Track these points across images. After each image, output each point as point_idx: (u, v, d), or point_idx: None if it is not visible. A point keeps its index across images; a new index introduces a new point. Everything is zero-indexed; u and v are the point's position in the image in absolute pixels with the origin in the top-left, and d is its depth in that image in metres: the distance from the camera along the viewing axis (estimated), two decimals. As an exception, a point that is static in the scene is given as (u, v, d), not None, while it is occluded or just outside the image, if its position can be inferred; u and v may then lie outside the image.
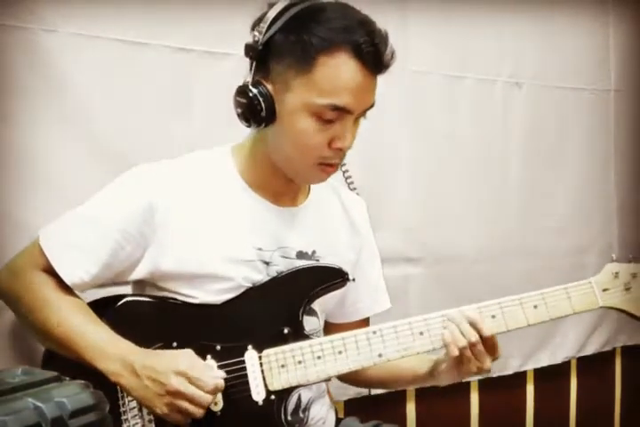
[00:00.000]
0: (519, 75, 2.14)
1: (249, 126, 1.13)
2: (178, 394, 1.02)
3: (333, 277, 1.18)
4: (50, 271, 1.14)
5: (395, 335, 1.13)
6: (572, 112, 2.27)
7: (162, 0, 1.52)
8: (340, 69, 1.06)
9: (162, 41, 1.53)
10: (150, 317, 1.15)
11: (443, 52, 1.97)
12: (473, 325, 1.12)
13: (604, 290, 1.19)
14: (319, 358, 1.12)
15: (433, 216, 1.98)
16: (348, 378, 1.38)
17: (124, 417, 1.09)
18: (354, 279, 1.19)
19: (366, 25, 1.08)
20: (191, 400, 1.02)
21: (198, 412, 1.04)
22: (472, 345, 1.11)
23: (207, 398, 1.03)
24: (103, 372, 1.05)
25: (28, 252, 1.17)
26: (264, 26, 1.07)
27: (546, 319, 1.16)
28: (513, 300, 1.15)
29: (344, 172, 1.34)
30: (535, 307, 1.15)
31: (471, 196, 2.06)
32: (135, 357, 1.05)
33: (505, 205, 2.13)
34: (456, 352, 1.12)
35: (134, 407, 1.09)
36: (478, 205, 2.08)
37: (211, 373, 1.06)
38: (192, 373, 1.03)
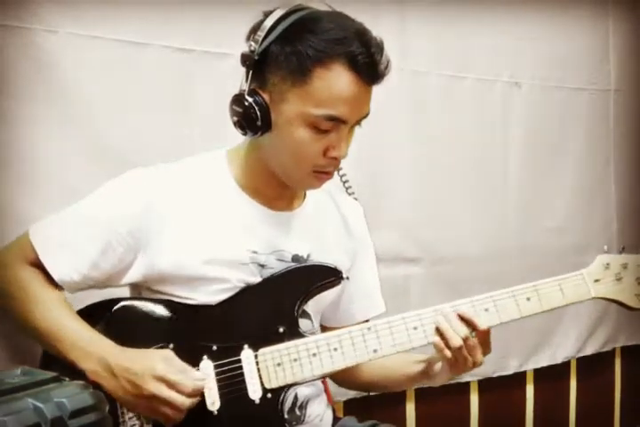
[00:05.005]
0: (519, 75, 2.14)
1: (245, 134, 1.13)
2: (154, 398, 1.03)
3: (328, 276, 1.18)
4: (37, 266, 1.14)
5: (389, 331, 1.15)
6: (572, 112, 2.27)
7: (162, 0, 1.52)
8: (335, 81, 1.06)
9: (162, 41, 1.53)
10: (146, 319, 1.15)
11: (442, 52, 1.97)
12: (466, 320, 1.14)
13: (596, 281, 1.21)
14: (314, 355, 1.13)
15: (433, 216, 1.98)
16: (343, 381, 1.39)
17: (121, 419, 1.08)
18: (348, 278, 1.20)
19: (362, 35, 1.08)
20: (169, 405, 1.03)
21: (177, 415, 1.04)
22: (465, 340, 1.13)
23: (186, 401, 1.03)
24: (84, 371, 1.06)
25: (17, 246, 1.17)
26: (260, 35, 1.07)
27: (539, 311, 1.18)
28: (506, 293, 1.17)
29: (341, 176, 1.34)
30: (528, 299, 1.17)
31: (471, 195, 2.06)
32: (114, 357, 1.06)
33: (505, 204, 2.13)
34: (449, 355, 1.13)
35: (133, 408, 1.09)
36: (478, 204, 2.08)
37: (190, 375, 1.06)
38: (170, 376, 1.03)
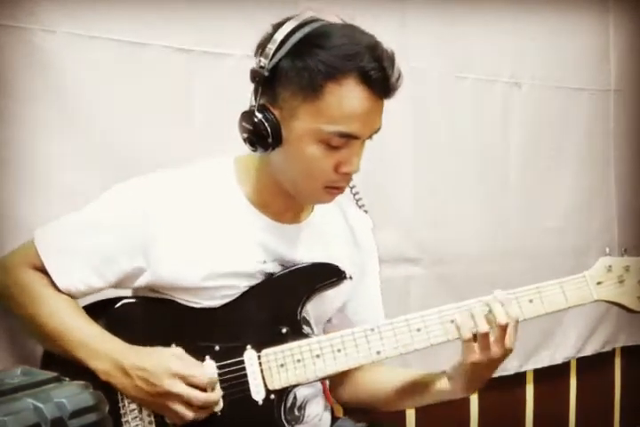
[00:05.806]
0: (519, 75, 2.14)
1: (255, 151, 1.11)
2: (170, 396, 1.03)
3: (330, 275, 1.18)
4: (42, 270, 1.14)
5: (392, 333, 1.14)
6: (572, 112, 2.27)
7: (162, 0, 1.52)
8: (348, 97, 1.04)
9: (162, 41, 1.52)
10: (148, 318, 1.15)
11: (442, 53, 1.97)
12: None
13: (598, 283, 1.19)
14: (318, 356, 1.12)
15: (433, 216, 1.98)
16: (357, 401, 1.36)
17: (124, 419, 1.09)
18: (351, 277, 1.19)
19: (373, 49, 1.05)
20: (184, 401, 1.03)
21: (190, 412, 1.04)
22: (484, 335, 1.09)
23: (201, 396, 1.04)
24: (94, 371, 1.06)
25: (23, 250, 1.17)
26: (271, 49, 1.05)
27: (541, 313, 1.17)
28: (508, 294, 1.15)
29: (351, 188, 1.32)
30: (530, 301, 1.16)
31: (471, 196, 2.06)
32: (126, 356, 1.06)
33: (505, 205, 2.13)
34: (478, 356, 1.10)
35: (134, 409, 1.09)
36: (479, 205, 2.08)
37: (202, 370, 1.07)
38: (184, 371, 1.04)
